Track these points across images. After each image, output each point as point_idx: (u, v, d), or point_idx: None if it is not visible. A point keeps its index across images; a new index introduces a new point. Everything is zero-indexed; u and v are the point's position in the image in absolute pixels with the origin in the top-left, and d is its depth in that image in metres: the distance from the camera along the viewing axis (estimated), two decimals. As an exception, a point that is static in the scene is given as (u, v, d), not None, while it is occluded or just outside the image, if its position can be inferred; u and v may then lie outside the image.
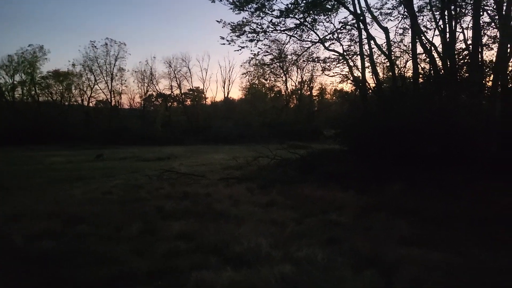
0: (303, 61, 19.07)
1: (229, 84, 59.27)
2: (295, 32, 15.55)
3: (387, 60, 14.54)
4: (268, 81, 52.53)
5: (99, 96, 58.03)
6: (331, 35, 15.70)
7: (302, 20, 15.02)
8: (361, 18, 14.06)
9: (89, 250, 4.90)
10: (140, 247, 5.06)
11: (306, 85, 54.22)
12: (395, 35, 15.51)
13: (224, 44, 15.36)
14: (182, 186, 10.44)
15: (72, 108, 57.30)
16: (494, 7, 12.96)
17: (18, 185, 11.54)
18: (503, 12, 11.41)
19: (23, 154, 30.14)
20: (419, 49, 13.14)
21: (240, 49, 15.50)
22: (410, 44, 13.65)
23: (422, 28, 13.85)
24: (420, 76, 13.43)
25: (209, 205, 7.77)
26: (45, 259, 4.67)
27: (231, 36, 15.09)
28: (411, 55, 13.75)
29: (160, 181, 11.86)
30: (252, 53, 16.51)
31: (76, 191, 10.24)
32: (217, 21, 15.04)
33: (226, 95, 59.93)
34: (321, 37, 15.72)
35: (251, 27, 14.87)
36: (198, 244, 5.15)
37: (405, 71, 15.50)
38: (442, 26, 12.73)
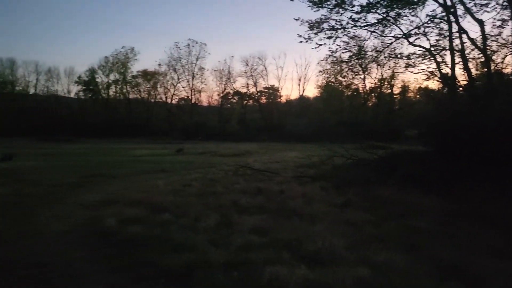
0: (384, 57, 18.06)
1: (304, 82, 58.58)
2: (376, 27, 14.80)
3: (481, 55, 13.15)
4: (345, 79, 51.05)
5: (181, 94, 62.05)
6: (416, 29, 14.60)
7: (384, 15, 14.24)
8: (452, 10, 12.91)
9: (171, 237, 5.22)
10: (216, 238, 5.27)
11: (386, 83, 51.61)
12: (491, 27, 13.94)
13: (301, 42, 15.14)
14: (256, 182, 10.63)
15: (157, 105, 61.85)
16: None
17: (110, 174, 12.78)
18: None
19: (114, 147, 33.30)
20: (521, 43, 11.68)
21: (318, 47, 15.18)
22: (510, 38, 12.21)
23: (525, 19, 12.25)
24: (521, 72, 11.97)
25: (282, 202, 7.80)
26: (133, 242, 5.11)
27: (308, 34, 14.84)
28: (510, 49, 12.31)
29: (236, 176, 12.23)
30: (329, 51, 16.07)
31: (159, 182, 11.01)
32: (295, 19, 14.90)
33: (301, 93, 59.68)
34: (405, 32, 14.72)
35: (330, 24, 14.49)
36: (272, 239, 5.19)
37: (503, 66, 13.84)
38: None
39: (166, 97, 62.29)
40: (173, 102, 62.69)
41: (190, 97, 61.04)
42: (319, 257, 4.42)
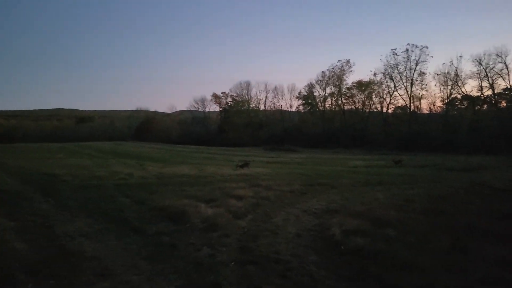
0: None
1: None
2: None
3: None
4: None
5: (398, 102, 59.02)
6: None
7: None
8: None
9: (397, 255, 4.99)
10: (450, 264, 4.70)
11: None
12: None
13: None
14: (499, 204, 8.90)
15: (372, 115, 61.11)
16: None
17: (329, 183, 13.34)
18: None
19: (330, 157, 34.85)
20: None
21: None
22: None
23: None
24: None
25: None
26: (358, 254, 5.15)
27: None
28: None
29: (469, 195, 10.59)
30: None
31: (379, 194, 10.76)
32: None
33: None
34: None
35: None
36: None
37: None
38: None
39: (382, 107, 60.78)
40: (389, 111, 60.50)
41: (408, 105, 57.45)
42: None
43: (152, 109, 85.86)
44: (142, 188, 11.30)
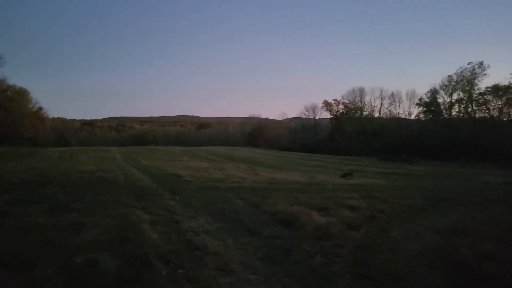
0: None
1: None
2: None
3: None
4: None
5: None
6: None
7: None
8: None
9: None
10: None
11: None
12: None
13: None
14: None
15: (511, 124, 52.68)
16: None
17: (455, 200, 11.94)
18: None
19: (456, 170, 31.19)
20: None
21: None
22: None
23: None
24: None
25: None
26: (494, 283, 4.49)
27: None
28: None
29: None
30: None
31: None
32: None
33: None
34: None
35: None
36: None
37: None
38: None
39: (526, 115, 52.01)
40: (535, 120, 51.46)
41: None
42: None
43: (264, 116, 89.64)
44: (255, 192, 11.75)
